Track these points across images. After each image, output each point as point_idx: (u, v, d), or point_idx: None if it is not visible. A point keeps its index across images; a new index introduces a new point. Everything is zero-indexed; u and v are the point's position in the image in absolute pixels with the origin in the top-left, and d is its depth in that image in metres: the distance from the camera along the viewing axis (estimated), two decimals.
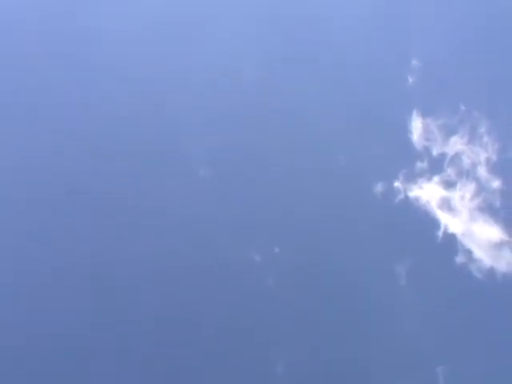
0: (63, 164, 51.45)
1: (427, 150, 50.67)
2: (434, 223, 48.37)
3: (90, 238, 48.58)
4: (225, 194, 49.80)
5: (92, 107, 54.33)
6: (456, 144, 50.26)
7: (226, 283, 45.83)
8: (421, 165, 50.25)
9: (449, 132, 50.61)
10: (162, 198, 49.78)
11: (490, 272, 46.21)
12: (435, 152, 50.47)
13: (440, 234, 47.86)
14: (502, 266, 46.27)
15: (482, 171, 49.06)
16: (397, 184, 50.03)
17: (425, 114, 51.30)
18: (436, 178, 49.89)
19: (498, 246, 46.88)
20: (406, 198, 49.59)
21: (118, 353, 44.49)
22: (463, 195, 48.93)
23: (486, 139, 49.65)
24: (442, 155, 50.31)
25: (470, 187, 48.91)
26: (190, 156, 51.49)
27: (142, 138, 52.73)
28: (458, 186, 49.20)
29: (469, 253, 47.06)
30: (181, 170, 50.93)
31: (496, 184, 48.40)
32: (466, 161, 49.67)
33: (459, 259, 46.93)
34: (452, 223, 48.23)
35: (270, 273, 46.69)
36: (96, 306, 46.11)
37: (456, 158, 49.99)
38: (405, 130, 51.46)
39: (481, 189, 48.66)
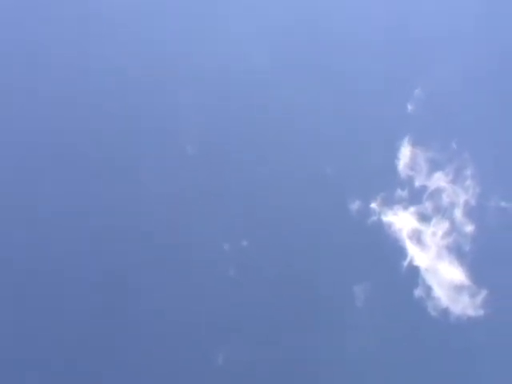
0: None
1: (410, 179, 50.39)
2: (401, 252, 48.08)
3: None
4: (207, 177, 49.65)
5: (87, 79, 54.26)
6: (439, 180, 50.11)
7: (190, 266, 45.31)
8: (400, 192, 49.94)
9: (435, 167, 50.44)
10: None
11: (445, 312, 46.10)
12: (417, 183, 50.21)
13: (405, 264, 47.57)
14: (457, 308, 46.19)
15: (459, 213, 48.97)
16: (373, 205, 49.65)
17: (415, 144, 51.02)
18: (412, 209, 49.63)
19: (458, 288, 46.81)
20: (380, 221, 49.22)
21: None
22: (435, 232, 48.76)
23: (469, 182, 49.60)
24: (423, 188, 50.09)
25: (444, 225, 48.77)
26: (179, 133, 51.34)
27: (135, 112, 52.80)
28: (432, 221, 49.03)
29: (428, 289, 46.88)
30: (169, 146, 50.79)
31: (469, 228, 48.34)
32: (445, 199, 49.54)
33: (418, 293, 46.71)
34: (418, 256, 48.00)
35: (233, 264, 46.02)
36: None
37: (436, 194, 49.83)
38: (393, 155, 51.06)
39: (453, 229, 48.55)
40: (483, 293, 46.16)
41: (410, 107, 52.47)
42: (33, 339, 43.90)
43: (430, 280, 47.18)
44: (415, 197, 49.92)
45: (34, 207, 48.45)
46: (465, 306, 46.16)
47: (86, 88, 53.80)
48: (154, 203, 48.88)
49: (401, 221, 49.26)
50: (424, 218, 49.37)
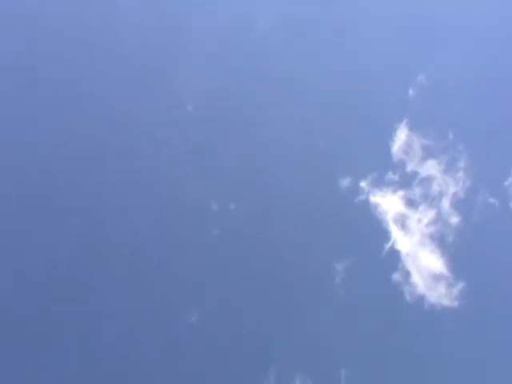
0: None
1: (402, 163, 50.02)
2: (385, 235, 47.78)
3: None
4: (203, 136, 49.43)
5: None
6: (431, 168, 49.84)
7: (176, 219, 44.84)
8: (391, 175, 49.53)
9: (429, 154, 50.12)
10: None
11: (420, 299, 46.01)
12: (409, 168, 49.87)
13: (387, 246, 47.36)
14: (432, 297, 46.17)
15: (446, 203, 48.82)
16: (362, 184, 49.29)
17: (412, 129, 50.60)
18: (401, 193, 49.32)
19: (437, 277, 46.78)
20: (367, 200, 48.84)
21: None
22: (421, 218, 48.58)
23: (460, 174, 49.43)
24: (415, 173, 49.77)
25: (430, 213, 48.61)
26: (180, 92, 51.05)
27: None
28: (419, 208, 48.88)
29: (407, 274, 46.74)
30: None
31: (455, 220, 48.23)
32: (435, 187, 49.33)
33: (396, 277, 46.54)
34: (401, 241, 47.79)
35: (219, 225, 45.68)
36: None
37: (426, 181, 49.60)
38: (388, 137, 50.59)
39: (439, 219, 48.43)
40: (460, 285, 46.24)
41: (411, 92, 51.93)
42: None
43: (410, 266, 47.06)
44: (405, 181, 49.59)
45: None
46: (440, 296, 46.18)
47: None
48: (149, 160, 48.73)
49: (388, 203, 48.95)
50: (411, 203, 49.15)
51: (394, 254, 47.29)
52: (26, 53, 52.66)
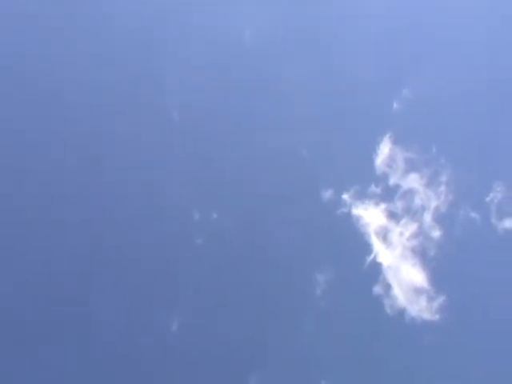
0: None
1: (385, 176, 50.04)
2: (367, 247, 47.75)
3: None
4: (188, 145, 49.47)
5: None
6: (413, 182, 49.91)
7: (160, 228, 45.02)
8: (374, 188, 49.51)
9: (411, 167, 50.20)
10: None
11: (401, 312, 45.97)
12: (391, 181, 49.91)
13: (368, 259, 47.33)
14: (413, 310, 46.13)
15: (428, 217, 48.87)
16: (345, 196, 49.26)
17: (396, 142, 50.64)
18: (383, 206, 49.34)
19: (418, 291, 46.76)
20: (349, 213, 48.81)
21: None
22: (402, 232, 48.58)
23: (442, 188, 49.54)
24: (397, 187, 49.81)
25: (412, 227, 48.65)
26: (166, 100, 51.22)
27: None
28: (401, 221, 48.91)
29: (388, 287, 46.69)
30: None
31: (436, 234, 48.27)
32: (417, 201, 49.37)
33: (377, 290, 46.48)
34: (383, 254, 47.77)
35: (201, 233, 45.66)
36: None
37: (408, 195, 49.65)
38: (371, 150, 50.64)
39: (421, 232, 48.47)
40: (441, 299, 46.24)
41: (396, 105, 52.05)
42: None
43: (391, 279, 47.01)
44: (387, 194, 49.60)
45: None
46: (421, 309, 46.13)
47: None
48: (133, 169, 48.76)
49: (370, 216, 48.97)
50: (393, 216, 49.17)
51: (376, 267, 47.25)
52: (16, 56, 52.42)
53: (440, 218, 48.82)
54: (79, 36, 54.01)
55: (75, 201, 46.95)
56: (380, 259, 47.57)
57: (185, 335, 42.43)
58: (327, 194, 49.01)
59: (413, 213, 49.13)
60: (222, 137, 50.45)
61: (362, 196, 49.36)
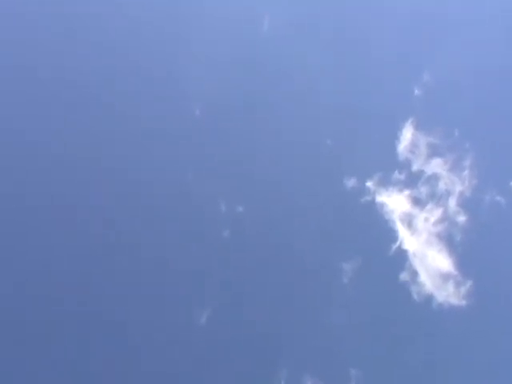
0: None
1: (408, 162, 49.88)
2: (392, 235, 47.64)
3: None
4: (211, 139, 49.50)
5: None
6: (437, 167, 49.69)
7: (187, 221, 45.23)
8: (397, 174, 49.39)
9: (434, 153, 49.99)
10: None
11: (428, 299, 45.87)
12: (415, 167, 49.73)
13: (394, 246, 47.23)
14: (441, 296, 46.04)
15: (453, 202, 48.68)
16: (369, 184, 49.18)
17: (418, 128, 50.45)
18: (407, 192, 49.20)
19: (445, 276, 46.66)
20: (373, 200, 48.73)
21: None
22: (428, 218, 48.43)
23: (466, 172, 49.29)
24: (420, 172, 49.64)
25: (437, 212, 48.48)
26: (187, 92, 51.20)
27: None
28: (426, 207, 48.76)
29: (414, 274, 46.61)
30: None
31: (461, 219, 48.08)
32: (441, 186, 49.18)
33: (403, 277, 46.39)
34: (408, 240, 47.69)
35: (228, 226, 45.89)
36: None
37: (432, 180, 49.45)
38: (394, 136, 50.48)
39: (446, 218, 48.29)
40: (468, 284, 46.14)
41: (417, 91, 51.78)
42: None
43: (417, 266, 46.92)
44: (411, 180, 49.43)
45: None
46: (448, 295, 46.03)
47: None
48: (158, 163, 48.88)
49: (394, 203, 48.86)
50: (418, 202, 49.01)
51: (401, 254, 47.16)
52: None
53: (465, 203, 48.60)
54: (96, 31, 54.21)
55: (102, 193, 47.27)
56: (405, 246, 47.46)
57: (213, 327, 42.67)
58: (351, 183, 48.95)
59: (437, 198, 48.93)
60: (246, 128, 50.53)
61: (385, 183, 49.26)
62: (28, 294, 43.44)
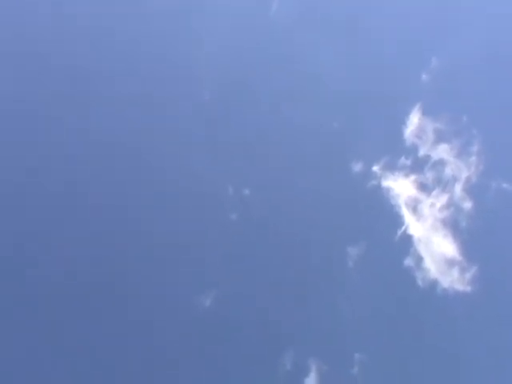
0: None
1: (415, 147, 49.78)
2: (397, 219, 47.62)
3: None
4: (219, 122, 49.55)
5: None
6: (444, 152, 49.60)
7: (194, 203, 45.02)
8: (404, 159, 49.31)
9: (441, 138, 49.87)
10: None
11: (433, 284, 45.90)
12: (421, 152, 49.65)
13: (399, 231, 47.23)
14: (445, 282, 46.07)
15: (459, 188, 48.62)
16: (375, 169, 49.11)
17: (425, 113, 50.31)
18: (413, 177, 49.15)
19: (449, 262, 46.67)
20: (379, 184, 48.71)
21: None
22: (434, 203, 48.39)
23: (473, 158, 49.19)
24: (427, 157, 49.56)
25: (443, 198, 48.42)
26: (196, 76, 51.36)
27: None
28: (432, 193, 48.68)
29: (419, 259, 46.61)
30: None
31: (467, 205, 48.04)
32: (448, 172, 49.11)
33: (408, 262, 46.39)
34: (414, 226, 47.66)
35: (236, 209, 45.95)
36: None
37: (439, 166, 49.36)
38: (401, 121, 50.40)
39: (452, 204, 48.24)
40: (473, 270, 46.17)
41: (424, 76, 51.66)
42: None
43: (422, 251, 46.91)
44: (417, 165, 49.36)
45: None
46: (453, 281, 46.07)
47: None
48: (165, 147, 48.78)
49: (400, 188, 48.80)
50: (424, 188, 48.95)
51: (407, 239, 47.13)
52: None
53: (471, 189, 48.53)
54: (105, 16, 54.23)
55: (111, 179, 47.42)
56: (411, 231, 47.45)
57: (218, 310, 42.71)
58: (357, 167, 48.90)
59: (443, 184, 48.85)
60: (253, 111, 50.40)
61: (391, 168, 49.16)
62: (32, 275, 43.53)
